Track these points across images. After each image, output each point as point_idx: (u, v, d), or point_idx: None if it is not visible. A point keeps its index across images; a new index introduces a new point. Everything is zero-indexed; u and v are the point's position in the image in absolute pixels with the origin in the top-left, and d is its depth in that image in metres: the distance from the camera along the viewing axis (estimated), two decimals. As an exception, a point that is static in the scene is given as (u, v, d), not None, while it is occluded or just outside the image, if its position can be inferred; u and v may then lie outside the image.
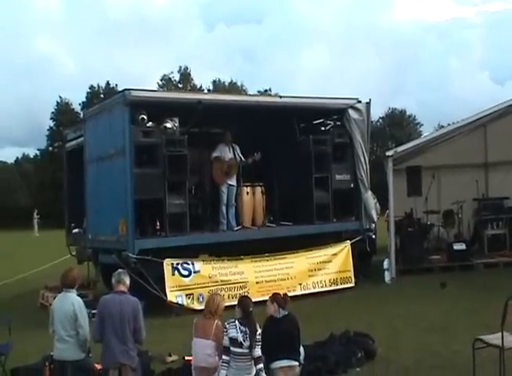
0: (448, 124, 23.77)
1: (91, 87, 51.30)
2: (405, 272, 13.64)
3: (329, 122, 13.86)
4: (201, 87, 52.70)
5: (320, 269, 12.44)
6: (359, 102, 13.42)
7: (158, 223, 11.10)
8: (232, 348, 5.67)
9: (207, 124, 13.52)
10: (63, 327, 6.01)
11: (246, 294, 10.99)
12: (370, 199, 13.38)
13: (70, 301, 6.05)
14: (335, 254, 12.74)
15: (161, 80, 53.50)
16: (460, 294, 11.43)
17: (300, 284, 12.06)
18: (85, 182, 12.51)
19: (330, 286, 12.41)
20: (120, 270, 6.28)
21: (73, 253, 13.87)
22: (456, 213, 15.66)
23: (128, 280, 6.14)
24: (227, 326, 5.74)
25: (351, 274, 12.75)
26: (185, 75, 53.79)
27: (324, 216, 13.01)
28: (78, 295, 6.30)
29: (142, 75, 68.20)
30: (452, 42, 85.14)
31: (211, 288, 10.90)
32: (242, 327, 5.71)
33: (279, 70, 74.67)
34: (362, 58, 77.63)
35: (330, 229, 13.07)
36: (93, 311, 6.98)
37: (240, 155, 12.56)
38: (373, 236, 14.13)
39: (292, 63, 77.08)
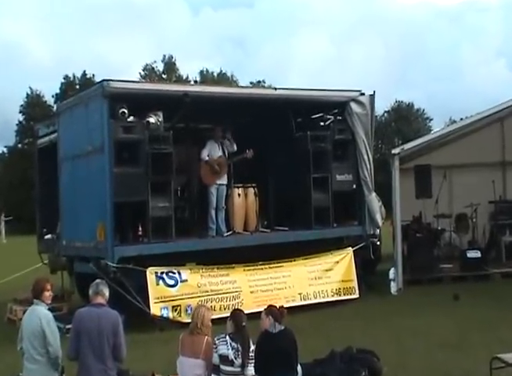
0: (461, 119, 23.92)
1: (66, 77, 51.28)
2: (413, 282, 13.68)
3: (328, 117, 13.85)
4: (187, 78, 52.77)
5: (321, 277, 12.50)
6: (362, 94, 13.44)
7: (140, 228, 11.10)
8: (222, 367, 5.67)
9: (195, 119, 13.51)
10: (31, 345, 5.98)
11: (240, 304, 11.12)
12: (374, 201, 13.40)
13: (38, 316, 6.01)
14: (336, 263, 12.79)
15: (143, 70, 53.61)
16: (475, 307, 11.48)
17: (300, 294, 12.11)
18: (59, 182, 12.48)
19: (333, 296, 12.46)
20: (98, 280, 6.26)
21: (46, 261, 13.84)
22: (470, 217, 15.74)
23: (106, 292, 6.12)
24: (217, 342, 5.74)
25: (355, 284, 12.80)
26: (170, 65, 53.84)
27: (324, 220, 13.03)
28: (51, 309, 6.27)
29: (122, 65, 68.32)
30: (464, 28, 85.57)
31: (201, 299, 10.92)
32: (233, 343, 5.71)
33: (273, 59, 74.93)
34: (365, 46, 77.99)
35: (330, 235, 13.09)
36: (67, 326, 6.96)
37: (234, 145, 12.59)
38: (378, 243, 14.17)
39: (288, 52, 77.30)
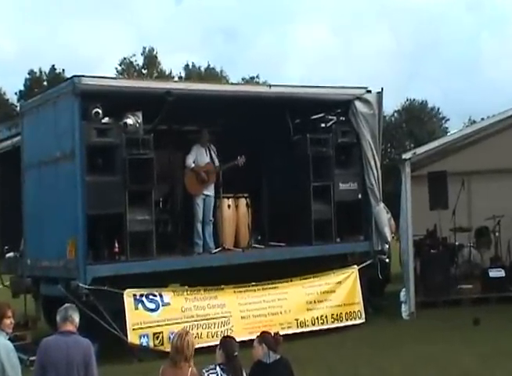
0: (482, 119, 23.94)
1: (31, 72, 51.18)
2: (428, 305, 13.72)
3: (330, 117, 13.98)
4: (171, 73, 52.68)
5: (321, 301, 12.51)
6: (369, 92, 13.52)
7: (117, 244, 11.10)
8: (211, 402, 5.68)
9: (179, 121, 13.56)
10: (-12, 380, 5.98)
11: (230, 331, 11.13)
12: (383, 213, 13.47)
13: (-4, 347, 5.99)
14: (339, 283, 12.80)
15: (120, 64, 53.42)
16: (498, 333, 11.51)
17: (296, 320, 12.11)
18: (23, 192, 12.49)
19: (333, 322, 12.47)
20: (67, 305, 6.27)
21: (7, 283, 13.80)
22: (492, 231, 15.77)
23: (77, 317, 6.13)
24: (205, 373, 5.74)
25: (360, 308, 12.82)
26: (151, 58, 53.76)
27: (325, 235, 13.07)
28: (12, 339, 6.26)
29: (96, 58, 68.07)
30: (484, 16, 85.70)
31: (186, 325, 10.86)
32: (224, 375, 5.72)
33: (267, 52, 74.74)
34: (372, 37, 77.95)
35: (333, 252, 13.12)
36: (31, 358, 6.95)
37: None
38: (387, 260, 14.20)
39: (284, 45, 77.16)
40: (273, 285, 12.16)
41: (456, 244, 15.53)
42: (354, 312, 12.74)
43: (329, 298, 12.59)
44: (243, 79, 51.81)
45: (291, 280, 12.37)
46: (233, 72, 69.43)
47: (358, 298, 12.87)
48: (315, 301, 12.44)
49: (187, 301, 11.36)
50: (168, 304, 11.17)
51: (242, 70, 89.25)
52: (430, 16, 77.73)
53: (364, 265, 13.20)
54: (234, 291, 11.80)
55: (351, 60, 77.72)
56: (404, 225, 13.69)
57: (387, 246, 13.82)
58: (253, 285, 12.00)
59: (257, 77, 52.70)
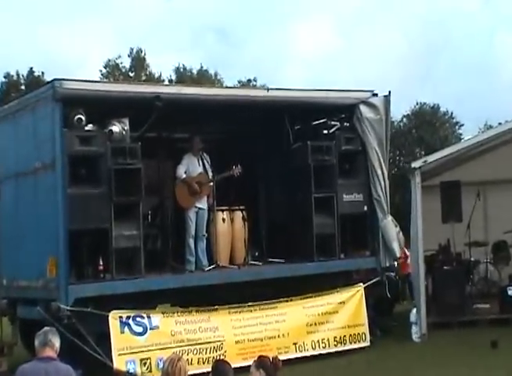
0: (499, 124, 23.95)
1: (8, 75, 51.08)
2: (441, 326, 13.71)
3: (333, 123, 13.97)
4: (160, 76, 52.63)
5: (322, 322, 12.50)
6: (375, 95, 13.57)
7: (101, 262, 11.10)
8: None
9: (169, 128, 13.59)
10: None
11: (223, 356, 11.09)
12: (391, 227, 13.47)
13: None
14: (342, 303, 12.80)
15: (105, 67, 53.34)
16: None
17: (295, 344, 12.11)
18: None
19: (336, 346, 12.47)
20: (47, 328, 6.27)
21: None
22: (511, 245, 15.79)
23: (57, 342, 6.13)
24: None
25: (365, 329, 12.82)
26: (139, 60, 53.70)
27: (328, 250, 13.08)
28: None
29: (78, 60, 67.94)
30: (501, 11, 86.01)
31: (175, 350, 10.82)
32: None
33: (265, 53, 74.64)
34: (379, 36, 77.86)
35: (337, 268, 13.13)
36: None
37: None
38: (395, 278, 14.19)
39: (283, 45, 77.07)
40: (271, 305, 12.16)
41: (472, 259, 15.50)
42: (358, 334, 12.73)
43: (331, 319, 12.59)
44: (239, 82, 51.88)
45: (291, 300, 12.37)
46: (228, 74, 69.72)
47: (364, 319, 12.87)
48: (315, 324, 12.44)
49: (177, 325, 11.35)
50: (157, 327, 11.15)
51: (237, 73, 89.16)
52: (442, 12, 77.93)
53: (370, 283, 13.19)
54: (229, 312, 11.79)
55: (355, 61, 77.46)
56: (414, 239, 13.69)
57: (396, 262, 13.84)
58: (249, 306, 12.00)
59: (255, 80, 52.70)
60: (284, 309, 12.25)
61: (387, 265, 13.50)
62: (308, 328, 12.35)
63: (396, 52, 74.72)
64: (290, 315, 12.25)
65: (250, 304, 12.03)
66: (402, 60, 75.06)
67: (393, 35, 76.46)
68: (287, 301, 12.34)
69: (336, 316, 12.65)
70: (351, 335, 12.66)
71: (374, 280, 13.25)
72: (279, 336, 12.01)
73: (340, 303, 12.78)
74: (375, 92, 13.63)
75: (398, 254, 13.61)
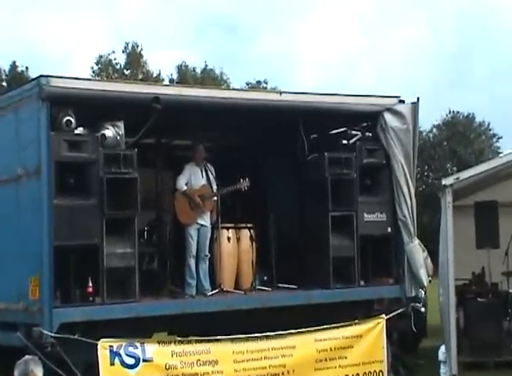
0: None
1: (-13, 70, 51.44)
2: (473, 366, 13.69)
3: (354, 133, 13.91)
4: (159, 75, 52.99)
5: (333, 358, 12.38)
6: (401, 102, 13.56)
7: (91, 283, 11.01)
8: None
9: (169, 133, 13.62)
10: None
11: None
12: (418, 251, 13.36)
13: None
14: (358, 337, 12.69)
15: (97, 63, 53.68)
16: None
17: (299, 382, 12.08)
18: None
19: (348, 387, 12.46)
20: (28, 357, 6.25)
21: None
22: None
23: (40, 373, 6.11)
24: None
25: (383, 367, 12.72)
26: (135, 57, 53.93)
27: (346, 276, 13.04)
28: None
29: (67, 55, 68.55)
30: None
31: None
32: None
33: (277, 51, 75.16)
34: (406, 33, 78.13)
35: (356, 297, 13.05)
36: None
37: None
38: (422, 310, 14.13)
39: (297, 42, 77.62)
40: (279, 337, 12.07)
41: (510, 291, 15.49)
42: (375, 372, 12.64)
43: (344, 354, 12.48)
44: (247, 84, 52.19)
45: (301, 332, 12.27)
46: (236, 75, 69.76)
47: (382, 355, 12.77)
48: (326, 359, 12.35)
49: (173, 356, 11.26)
50: (150, 360, 11.06)
51: (246, 73, 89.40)
52: (478, 6, 77.44)
53: (394, 314, 13.12)
54: (231, 342, 11.71)
55: (379, 63, 77.86)
56: (444, 266, 13.65)
57: (423, 292, 13.78)
58: (254, 336, 11.93)
59: (265, 81, 53.08)
60: (293, 342, 12.15)
61: (413, 294, 13.38)
62: (316, 364, 12.25)
63: (425, 53, 74.83)
64: (299, 349, 12.15)
65: (255, 336, 11.95)
66: (432, 62, 75.09)
67: (421, 33, 76.25)
68: (297, 332, 12.23)
69: (350, 352, 12.55)
70: (365, 373, 12.59)
71: (398, 312, 13.18)
72: (283, 373, 11.94)
73: (357, 337, 12.68)
74: (401, 98, 13.60)
75: (425, 283, 13.49)
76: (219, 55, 78.67)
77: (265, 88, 49.09)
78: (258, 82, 52.82)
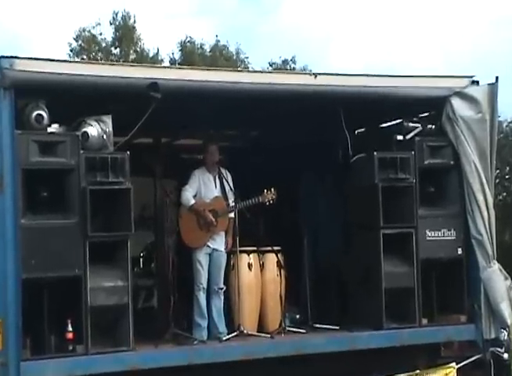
0: None
1: None
2: None
3: (412, 125, 13.78)
4: (158, 54, 53.09)
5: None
6: (475, 83, 13.42)
7: (70, 327, 10.93)
8: None
9: (171, 130, 13.78)
10: None
11: None
12: (498, 279, 13.24)
13: None
14: (423, 392, 12.73)
15: (76, 39, 53.69)
16: None
17: None
18: None
19: None
20: None
21: None
22: None
23: None
24: None
25: None
26: (125, 30, 53.93)
27: (403, 314, 12.94)
28: None
29: (36, 30, 68.92)
30: None
31: None
32: None
33: (306, 23, 75.38)
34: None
35: (417, 341, 12.93)
36: None
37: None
38: (505, 356, 14.01)
39: (333, 11, 77.84)
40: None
41: None
42: None
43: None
44: (270, 64, 52.21)
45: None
46: (256, 53, 69.78)
47: (450, 415, 12.81)
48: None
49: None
50: None
51: (269, 50, 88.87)
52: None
53: (467, 362, 13.01)
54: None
55: (441, 37, 77.76)
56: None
57: (506, 333, 13.69)
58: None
59: (293, 60, 52.79)
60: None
61: (493, 336, 13.26)
62: None
63: (498, 19, 74.64)
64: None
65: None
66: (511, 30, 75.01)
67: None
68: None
69: (407, 410, 12.58)
70: None
71: (473, 359, 13.09)
72: None
73: (420, 392, 12.72)
74: (475, 78, 13.45)
75: (509, 321, 13.34)
76: (234, 28, 78.74)
77: (293, 68, 49.08)
78: (285, 62, 52.70)
